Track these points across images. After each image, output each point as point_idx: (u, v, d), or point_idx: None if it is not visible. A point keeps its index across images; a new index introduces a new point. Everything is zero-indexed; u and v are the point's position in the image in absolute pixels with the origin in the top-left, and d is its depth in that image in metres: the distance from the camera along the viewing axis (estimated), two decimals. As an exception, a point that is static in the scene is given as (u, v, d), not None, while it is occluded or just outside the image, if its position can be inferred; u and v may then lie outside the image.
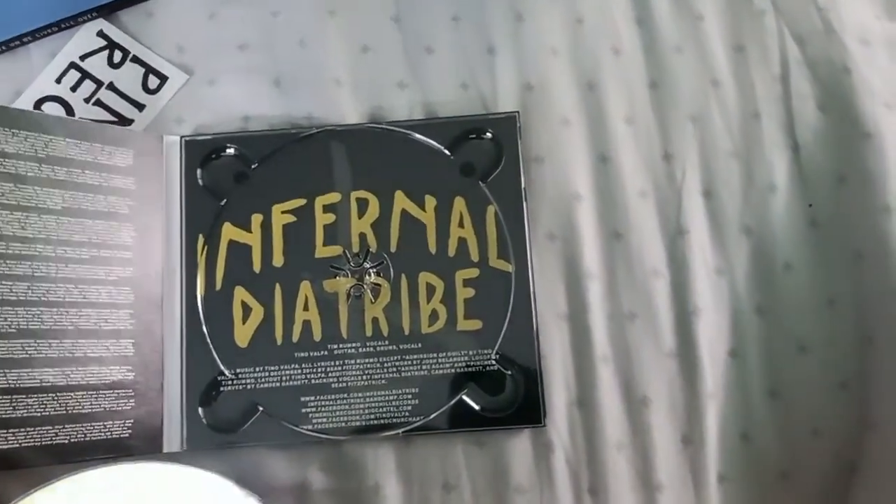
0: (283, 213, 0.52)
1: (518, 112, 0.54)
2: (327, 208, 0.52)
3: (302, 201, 0.52)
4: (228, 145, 0.53)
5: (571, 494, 0.49)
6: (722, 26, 0.56)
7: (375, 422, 0.49)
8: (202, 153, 0.53)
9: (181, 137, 0.53)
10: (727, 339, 0.51)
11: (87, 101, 0.54)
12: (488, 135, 0.53)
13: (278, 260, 0.51)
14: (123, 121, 0.54)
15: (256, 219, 0.52)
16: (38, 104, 0.54)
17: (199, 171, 0.53)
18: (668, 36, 0.56)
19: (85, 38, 0.55)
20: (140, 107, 0.54)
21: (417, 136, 0.53)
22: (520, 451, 0.50)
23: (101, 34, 0.55)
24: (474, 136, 0.53)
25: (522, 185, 0.52)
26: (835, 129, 0.53)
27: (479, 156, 0.53)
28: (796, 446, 0.50)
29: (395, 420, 0.49)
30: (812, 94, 0.54)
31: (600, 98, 0.55)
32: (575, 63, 0.56)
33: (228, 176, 0.53)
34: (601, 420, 0.50)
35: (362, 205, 0.52)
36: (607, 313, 0.51)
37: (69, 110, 0.54)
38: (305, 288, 0.51)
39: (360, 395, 0.50)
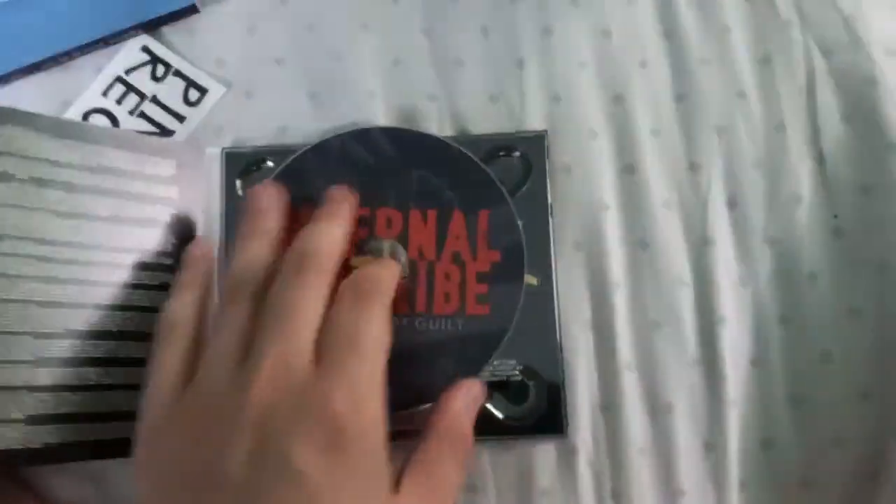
0: None
1: (546, 131, 0.55)
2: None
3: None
4: (268, 157, 0.55)
5: (594, 498, 0.50)
6: (748, 38, 0.57)
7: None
8: (242, 164, 0.55)
9: (222, 149, 0.55)
10: (750, 347, 0.52)
11: (131, 112, 0.56)
12: (517, 153, 0.55)
13: None
14: (165, 132, 0.56)
15: None
16: (86, 116, 0.56)
17: (238, 182, 0.55)
18: (695, 48, 0.57)
19: (130, 53, 0.58)
20: (181, 118, 0.56)
21: (455, 145, 0.54)
22: (544, 455, 0.51)
23: (145, 49, 0.58)
24: (504, 153, 0.55)
25: (549, 202, 0.54)
26: (860, 140, 0.54)
27: (508, 172, 0.54)
28: (818, 455, 0.50)
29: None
30: (837, 106, 0.54)
31: (627, 110, 0.56)
32: (602, 76, 0.57)
33: None
34: (624, 425, 0.51)
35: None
36: (632, 321, 0.53)
37: (115, 122, 0.56)
38: None
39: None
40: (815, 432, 0.51)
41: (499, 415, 0.51)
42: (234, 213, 0.54)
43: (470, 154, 0.54)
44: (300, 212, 0.51)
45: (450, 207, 0.53)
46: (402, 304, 0.52)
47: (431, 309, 0.52)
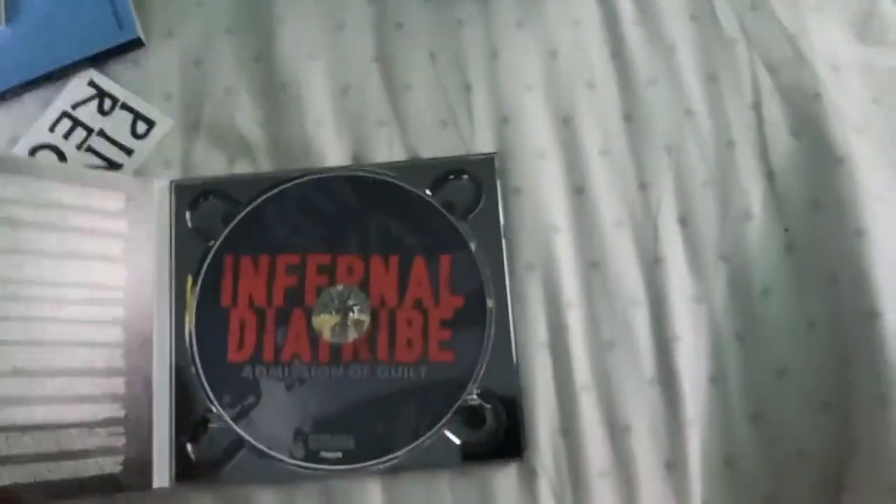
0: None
1: (496, 153, 0.55)
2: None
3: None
4: (216, 188, 0.55)
5: (556, 522, 0.50)
6: (694, 56, 0.57)
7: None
8: (191, 196, 0.55)
9: (171, 182, 0.55)
10: (707, 365, 0.52)
11: (78, 147, 0.56)
12: (466, 176, 0.55)
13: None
14: (113, 166, 0.56)
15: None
16: (34, 152, 0.56)
17: (187, 214, 0.54)
18: (642, 68, 0.57)
19: (76, 87, 0.57)
20: (129, 151, 0.56)
21: (399, 183, 0.55)
22: (504, 480, 0.50)
23: (91, 83, 0.57)
24: (454, 176, 0.55)
25: (501, 223, 0.54)
26: (808, 155, 0.54)
27: (459, 195, 0.54)
28: (781, 469, 0.50)
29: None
30: (785, 122, 0.55)
31: (576, 131, 0.56)
32: (550, 97, 0.57)
33: (216, 218, 0.54)
34: (584, 448, 0.50)
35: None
36: (587, 342, 0.52)
37: (62, 157, 0.56)
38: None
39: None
40: (777, 447, 0.50)
41: (456, 441, 0.50)
42: (184, 244, 0.54)
43: (430, 199, 0.54)
44: (258, 261, 0.52)
45: (411, 253, 0.53)
46: (365, 352, 0.52)
47: (393, 357, 0.51)
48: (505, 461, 0.50)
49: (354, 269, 0.53)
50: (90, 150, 0.56)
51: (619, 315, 0.52)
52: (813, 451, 0.50)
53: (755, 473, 0.50)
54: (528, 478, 0.50)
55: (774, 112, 0.55)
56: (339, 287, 0.53)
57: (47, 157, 0.56)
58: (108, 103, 0.57)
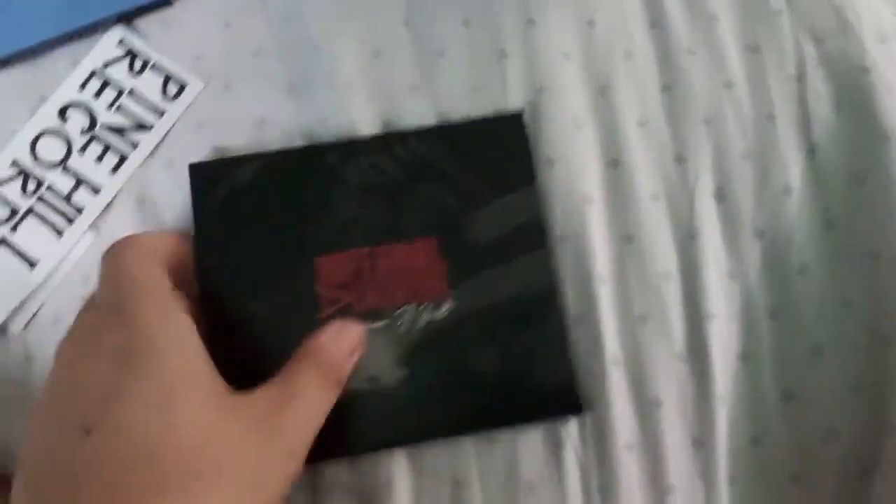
0: None
1: (524, 109, 0.54)
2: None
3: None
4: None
5: (581, 493, 0.49)
6: (736, 27, 0.55)
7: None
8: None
9: (190, 165, 0.52)
10: (739, 342, 0.51)
11: (109, 107, 0.55)
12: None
13: None
14: (143, 127, 0.55)
15: None
16: (63, 111, 0.55)
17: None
18: (681, 38, 0.55)
19: (107, 46, 0.57)
20: (160, 113, 0.55)
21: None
22: (530, 448, 0.50)
23: (121, 42, 0.57)
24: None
25: (534, 173, 0.53)
26: (852, 129, 0.52)
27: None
28: (809, 449, 0.49)
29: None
30: (829, 94, 0.53)
31: (612, 101, 0.55)
32: (587, 67, 0.55)
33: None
34: (611, 420, 0.50)
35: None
36: (618, 315, 0.51)
37: (92, 117, 0.55)
38: None
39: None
40: (806, 427, 0.49)
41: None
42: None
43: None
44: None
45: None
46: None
47: None
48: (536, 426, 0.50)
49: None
50: (120, 109, 0.55)
51: (652, 289, 0.51)
52: (844, 431, 0.49)
53: (783, 452, 0.49)
54: (554, 447, 0.50)
55: (818, 84, 0.54)
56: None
57: (77, 115, 0.55)
58: (138, 63, 0.56)
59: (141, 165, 0.55)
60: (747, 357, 0.50)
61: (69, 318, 0.45)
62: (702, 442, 0.49)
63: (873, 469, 0.48)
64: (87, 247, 0.53)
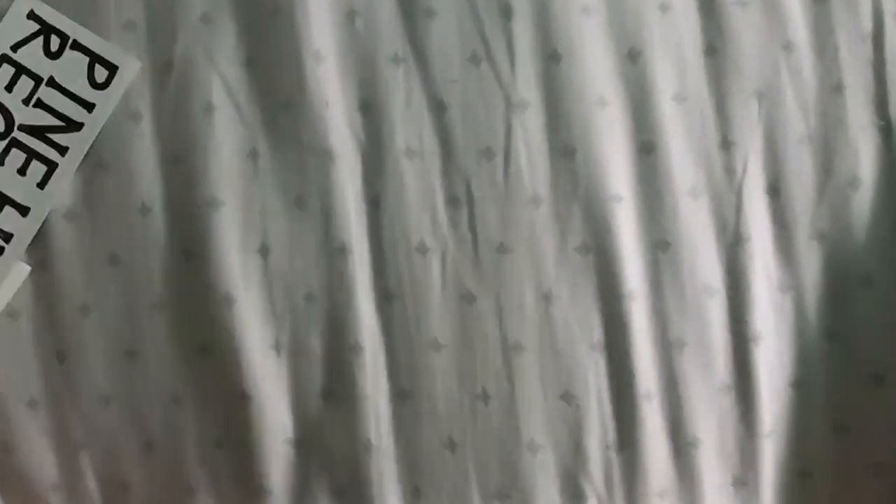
0: None
1: None
2: None
3: None
4: None
5: (606, 550, 0.45)
6: (798, -29, 0.45)
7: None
8: None
9: None
10: (790, 367, 0.45)
11: (26, 102, 0.45)
12: None
13: None
14: (72, 125, 0.45)
15: None
16: (-30, 106, 0.45)
17: None
18: (731, -16, 0.46)
19: (14, 22, 0.45)
20: (89, 106, 0.45)
21: None
22: (548, 501, 0.45)
23: (31, 16, 0.45)
24: None
25: None
26: (940, 105, 0.44)
27: None
28: (860, 485, 0.45)
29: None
30: (914, 58, 0.45)
31: (644, 69, 0.45)
32: (613, 25, 0.46)
33: None
34: (644, 466, 0.44)
35: None
36: (652, 341, 0.45)
37: (7, 115, 0.45)
38: None
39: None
40: (859, 460, 0.45)
41: None
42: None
43: None
44: None
45: None
46: None
47: None
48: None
49: None
50: (40, 105, 0.45)
51: (691, 307, 0.45)
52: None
53: (831, 487, 0.45)
54: (576, 499, 0.44)
55: (900, 46, 0.45)
56: None
57: (-11, 114, 0.45)
58: (55, 42, 0.45)
59: (76, 174, 0.46)
60: (798, 384, 0.45)
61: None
62: (744, 481, 0.45)
63: None
64: (23, 279, 0.46)
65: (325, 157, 0.45)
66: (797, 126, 0.45)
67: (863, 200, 0.45)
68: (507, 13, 0.46)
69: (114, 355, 0.46)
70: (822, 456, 0.45)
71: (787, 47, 0.45)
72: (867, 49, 0.45)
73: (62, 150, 0.45)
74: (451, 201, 0.45)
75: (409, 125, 0.45)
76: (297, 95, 0.46)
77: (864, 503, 0.45)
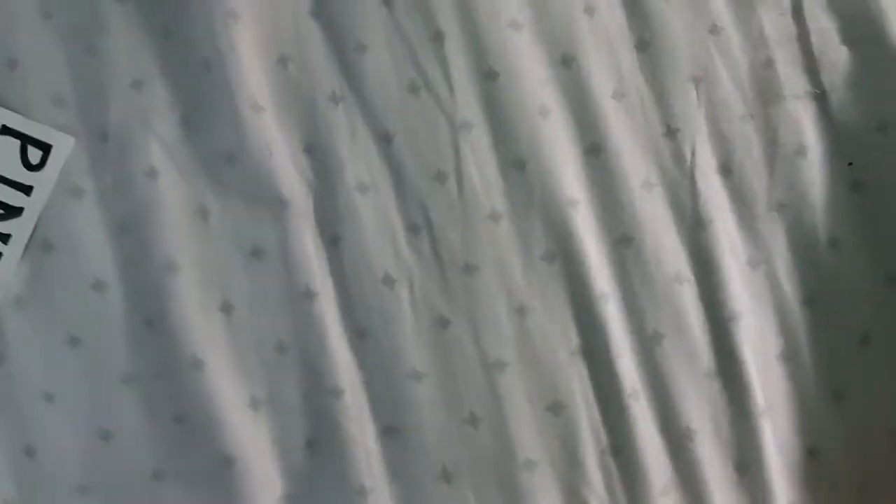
0: None
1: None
2: None
3: None
4: None
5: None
6: (713, -44, 0.46)
7: None
8: None
9: None
10: (774, 341, 0.44)
11: (-40, 197, 0.44)
12: None
13: None
14: (11, 211, 0.44)
15: None
16: None
17: None
18: (650, -22, 0.46)
19: (-66, 111, 0.44)
20: (27, 189, 0.44)
21: None
22: None
23: (-47, 104, 0.44)
24: None
25: None
26: (867, 66, 0.44)
27: None
28: (872, 453, 0.44)
29: None
30: (834, 27, 0.45)
31: (579, 73, 0.45)
32: (542, 34, 0.45)
33: None
34: (642, 466, 0.43)
35: None
36: (630, 338, 0.44)
37: (-59, 213, 0.44)
38: None
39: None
40: (867, 428, 0.44)
41: None
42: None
43: None
44: None
45: None
46: None
47: None
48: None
49: None
50: (-25, 196, 0.44)
51: (664, 298, 0.44)
52: None
53: (844, 462, 0.44)
54: (578, 506, 0.43)
55: (820, 16, 0.45)
56: None
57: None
58: (-19, 127, 0.44)
59: (21, 262, 0.44)
60: (786, 356, 0.44)
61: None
62: (747, 465, 0.43)
63: None
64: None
65: (276, 204, 0.45)
66: (736, 105, 0.45)
67: (812, 165, 0.44)
68: (438, 38, 0.45)
69: (86, 440, 0.44)
70: (827, 429, 0.44)
71: (714, 31, 0.45)
72: (789, 23, 0.45)
73: (4, 239, 0.44)
74: (411, 228, 0.45)
75: (356, 160, 0.45)
76: (239, 148, 0.45)
77: (888, 476, 0.44)
